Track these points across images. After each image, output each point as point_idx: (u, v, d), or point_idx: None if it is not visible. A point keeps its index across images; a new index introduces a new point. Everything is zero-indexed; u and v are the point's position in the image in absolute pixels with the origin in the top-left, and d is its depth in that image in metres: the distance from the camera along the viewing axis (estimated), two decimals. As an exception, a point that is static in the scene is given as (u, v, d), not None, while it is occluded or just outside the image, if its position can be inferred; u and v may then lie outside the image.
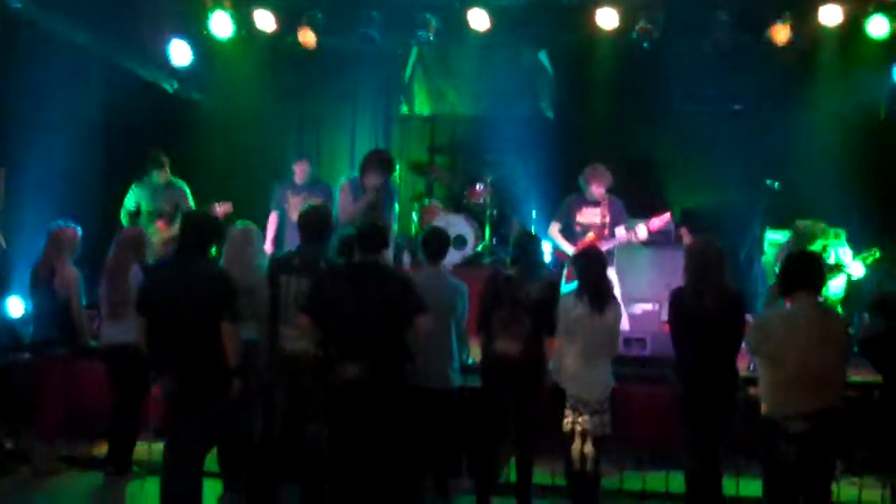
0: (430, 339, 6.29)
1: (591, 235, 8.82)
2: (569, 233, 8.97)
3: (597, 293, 6.44)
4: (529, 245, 6.94)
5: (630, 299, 9.05)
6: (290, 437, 6.58)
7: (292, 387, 6.54)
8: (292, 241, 9.07)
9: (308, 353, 6.32)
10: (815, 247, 8.36)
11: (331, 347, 6.11)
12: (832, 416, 5.37)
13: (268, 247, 9.02)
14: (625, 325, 8.60)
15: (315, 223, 6.73)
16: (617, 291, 8.75)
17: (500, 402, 6.59)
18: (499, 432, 6.67)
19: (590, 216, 8.93)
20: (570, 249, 8.69)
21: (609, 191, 8.90)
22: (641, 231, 8.77)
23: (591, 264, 6.63)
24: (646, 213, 9.08)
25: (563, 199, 9.15)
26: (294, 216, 9.13)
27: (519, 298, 6.47)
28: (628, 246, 9.01)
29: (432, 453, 6.87)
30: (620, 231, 8.79)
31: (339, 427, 6.12)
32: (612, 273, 8.78)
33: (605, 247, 8.57)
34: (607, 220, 8.86)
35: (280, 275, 6.54)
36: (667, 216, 8.90)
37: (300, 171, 9.80)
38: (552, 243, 9.00)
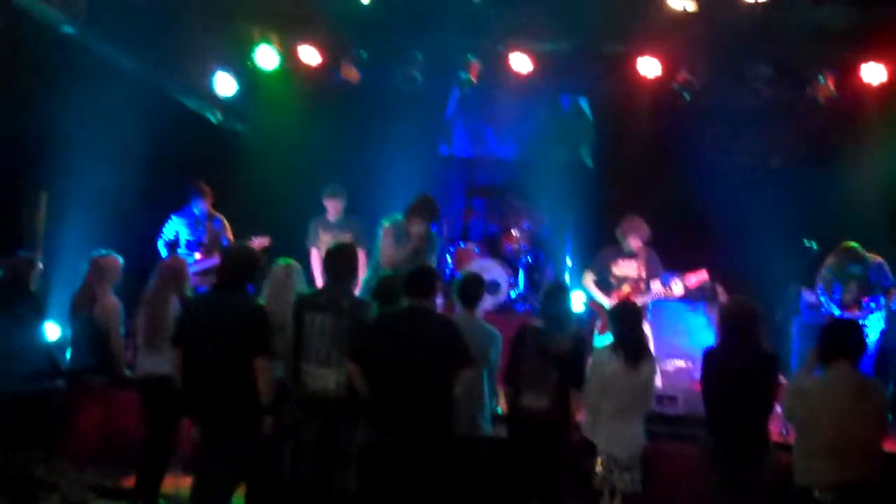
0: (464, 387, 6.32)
1: (626, 288, 8.82)
2: (604, 284, 8.96)
3: (633, 348, 6.44)
4: (558, 296, 6.95)
5: (663, 355, 8.98)
6: (316, 478, 6.58)
7: (317, 426, 6.54)
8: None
9: (330, 392, 6.37)
10: (856, 270, 8.34)
11: (375, 394, 6.13)
12: (864, 489, 5.33)
13: (319, 283, 9.00)
14: (658, 381, 8.58)
15: (340, 262, 6.75)
16: (651, 347, 8.81)
17: (525, 454, 6.58)
18: (524, 485, 6.65)
19: (626, 269, 8.93)
20: (605, 301, 8.69)
21: (646, 244, 8.89)
22: (677, 287, 8.73)
23: (627, 318, 6.64)
24: (681, 267, 9.03)
25: (599, 250, 9.15)
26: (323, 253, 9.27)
27: (546, 350, 6.48)
28: (663, 301, 8.98)
29: (460, 501, 6.85)
30: (656, 285, 8.77)
31: (374, 475, 6.13)
32: (646, 328, 8.81)
33: (640, 300, 8.60)
34: (643, 273, 8.86)
35: (305, 312, 6.56)
36: (703, 273, 8.85)
37: (332, 208, 9.79)
38: (586, 294, 8.99)
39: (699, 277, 8.81)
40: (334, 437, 6.48)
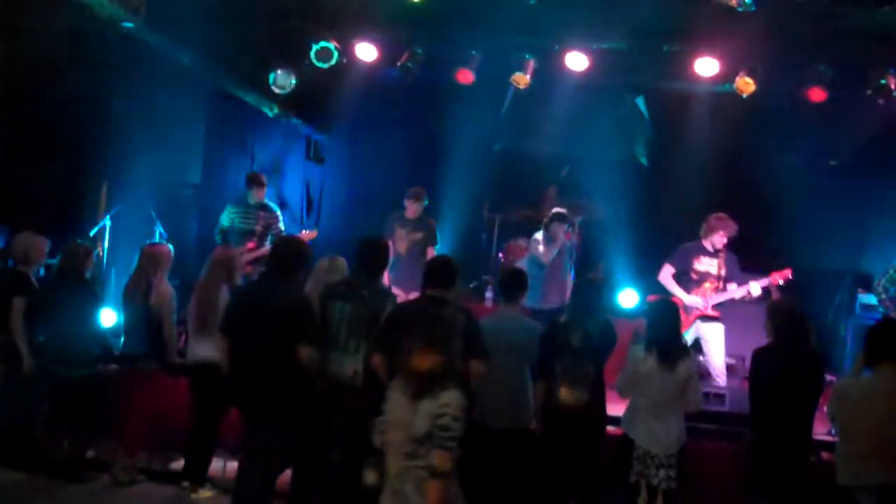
0: (506, 381, 6.32)
1: (707, 286, 8.77)
2: (684, 279, 8.93)
3: (666, 349, 6.38)
4: (585, 291, 6.95)
5: (729, 355, 9.00)
6: (349, 465, 6.63)
7: (343, 414, 6.56)
8: (399, 272, 9.37)
9: (346, 379, 6.43)
10: None
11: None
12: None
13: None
14: (722, 380, 8.54)
15: (369, 253, 6.76)
16: (722, 348, 8.76)
17: (560, 449, 6.56)
18: (559, 480, 6.65)
19: (707, 265, 8.92)
20: (683, 295, 8.66)
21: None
22: (755, 288, 8.74)
23: (663, 319, 6.56)
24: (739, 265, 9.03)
25: (680, 245, 9.08)
26: (398, 247, 9.62)
27: (575, 345, 6.44)
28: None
29: (506, 494, 6.85)
30: (732, 286, 8.77)
31: None
32: (720, 328, 8.74)
33: (718, 299, 8.76)
34: (723, 272, 8.84)
35: (328, 300, 6.63)
36: (787, 273, 8.79)
37: (411, 208, 10.04)
38: (664, 288, 8.94)
39: (784, 275, 8.74)
40: (360, 426, 6.52)
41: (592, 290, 6.98)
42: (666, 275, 8.96)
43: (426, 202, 10.16)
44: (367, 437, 6.30)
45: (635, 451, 6.33)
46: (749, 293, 8.77)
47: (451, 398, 4.83)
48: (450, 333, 5.16)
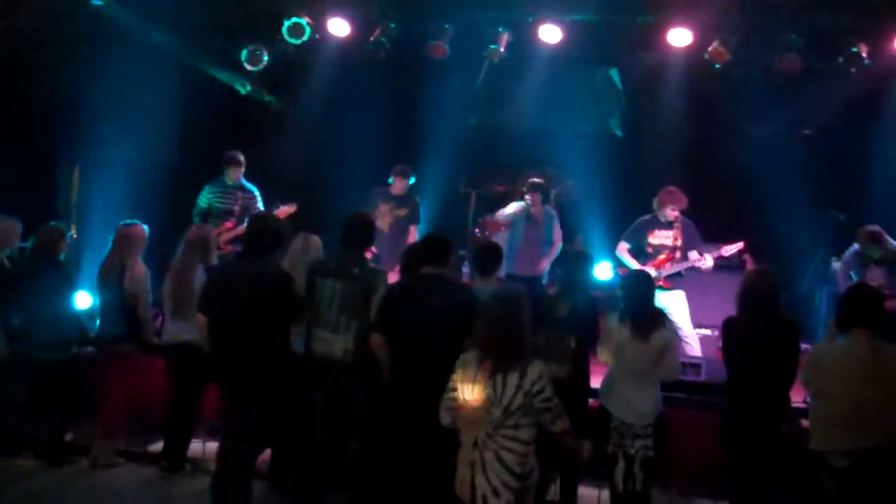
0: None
1: (662, 257, 8.85)
2: (639, 253, 9.03)
3: (641, 318, 6.37)
4: (571, 263, 6.99)
5: (695, 324, 9.07)
6: (332, 443, 6.65)
7: (328, 392, 6.59)
8: (379, 247, 9.37)
9: (335, 358, 6.43)
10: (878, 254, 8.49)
11: (398, 363, 6.13)
12: (878, 455, 5.29)
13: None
14: (697, 349, 8.61)
15: (355, 229, 6.73)
16: (687, 315, 8.80)
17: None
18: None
19: (662, 238, 9.02)
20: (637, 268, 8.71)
21: (682, 213, 8.95)
22: (708, 261, 8.83)
23: (636, 287, 6.54)
24: (712, 236, 9.09)
25: (636, 220, 9.19)
26: (380, 223, 9.68)
27: (558, 317, 6.43)
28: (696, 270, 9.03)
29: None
30: (693, 255, 8.85)
31: (394, 441, 6.15)
32: (680, 296, 8.82)
33: (675, 269, 8.83)
34: (679, 242, 8.93)
35: (316, 278, 6.61)
36: (740, 244, 8.89)
37: (398, 185, 10.10)
38: (620, 262, 9.02)
39: (736, 248, 8.82)
40: (347, 405, 6.54)
41: (583, 263, 7.00)
42: (621, 250, 9.15)
43: (412, 179, 10.16)
44: (354, 415, 6.40)
45: (612, 423, 6.32)
46: (707, 262, 8.84)
47: (539, 370, 5.14)
48: (520, 308, 5.28)
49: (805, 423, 5.84)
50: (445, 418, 5.31)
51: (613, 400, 6.35)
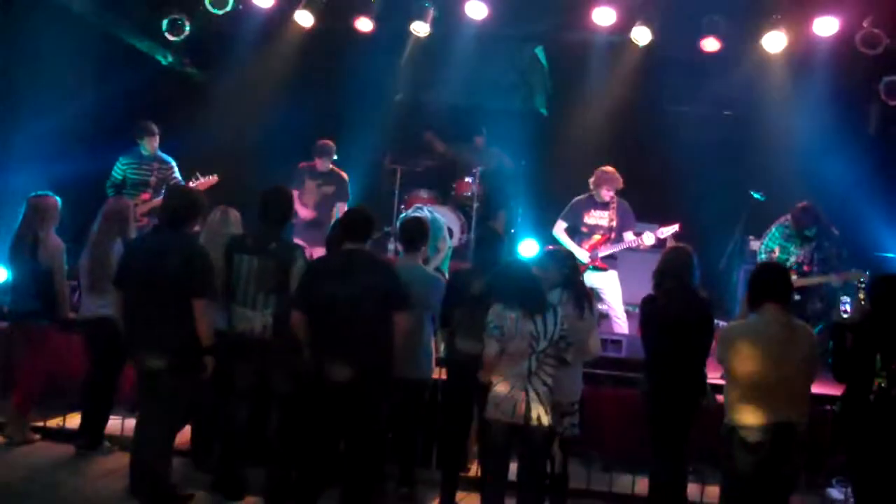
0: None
1: (597, 238, 8.95)
2: (574, 232, 9.15)
3: (579, 294, 6.44)
4: (488, 241, 7.04)
5: (627, 303, 9.19)
6: (252, 419, 6.61)
7: (250, 369, 6.53)
8: (304, 226, 9.51)
9: (256, 334, 6.39)
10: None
11: (316, 339, 6.09)
12: (790, 429, 5.40)
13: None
14: (624, 329, 8.76)
15: (273, 204, 6.65)
16: (619, 295, 8.92)
17: (463, 396, 6.60)
18: (464, 426, 6.73)
19: (597, 218, 9.15)
20: (575, 250, 8.79)
21: (617, 193, 9.06)
22: (648, 238, 8.99)
23: (573, 265, 6.66)
24: (638, 215, 9.19)
25: (564, 198, 9.29)
26: (306, 200, 9.79)
27: (476, 295, 6.42)
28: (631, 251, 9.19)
29: (401, 442, 6.92)
30: (629, 235, 8.99)
31: (311, 417, 6.14)
32: (613, 276, 8.92)
33: (610, 250, 8.98)
34: (614, 223, 9.05)
35: (234, 254, 6.54)
36: (676, 226, 9.01)
37: (320, 161, 10.10)
38: (558, 241, 9.08)
39: (672, 230, 8.94)
40: (268, 381, 6.50)
41: (493, 242, 7.02)
42: (559, 229, 9.28)
43: (335, 156, 10.11)
44: (273, 389, 6.35)
45: None
46: (642, 243, 8.98)
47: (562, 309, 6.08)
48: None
49: (720, 398, 5.93)
50: (492, 349, 5.82)
51: None
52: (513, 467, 5.99)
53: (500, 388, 5.82)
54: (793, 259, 8.95)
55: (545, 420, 5.81)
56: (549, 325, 5.83)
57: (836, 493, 7.38)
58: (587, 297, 6.54)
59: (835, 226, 9.12)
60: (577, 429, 6.35)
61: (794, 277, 8.44)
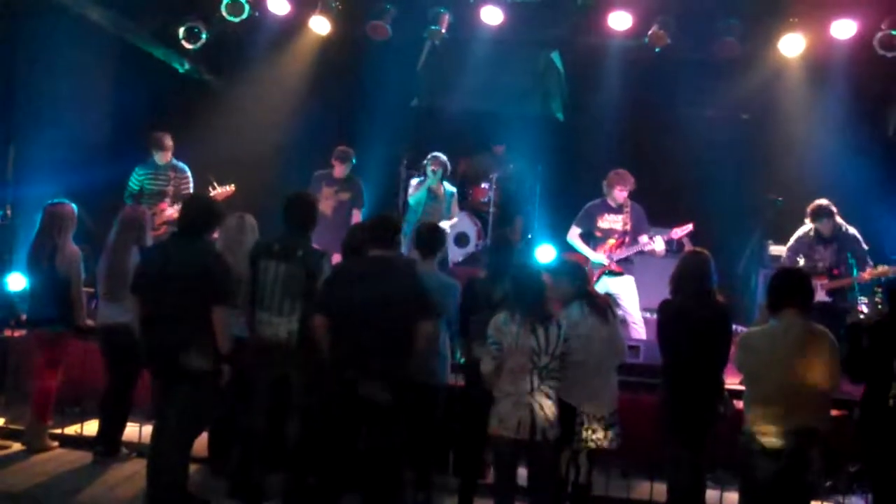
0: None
1: (611, 242, 8.91)
2: (588, 237, 9.13)
3: (597, 302, 6.41)
4: (501, 249, 7.00)
5: (645, 308, 9.15)
6: (272, 426, 6.60)
7: (272, 376, 6.54)
8: (321, 232, 9.26)
9: (281, 341, 6.39)
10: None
11: (338, 344, 6.08)
12: (810, 435, 5.36)
13: None
14: (642, 334, 8.78)
15: (298, 211, 6.68)
16: (636, 300, 8.87)
17: (480, 403, 6.57)
18: (480, 434, 6.68)
19: (611, 222, 9.12)
20: (590, 254, 8.74)
21: (630, 196, 9.02)
22: (659, 244, 8.90)
23: (584, 274, 6.61)
24: (653, 219, 9.20)
25: (579, 203, 9.27)
26: (323, 206, 9.58)
27: (492, 302, 6.40)
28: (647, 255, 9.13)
29: (416, 447, 6.87)
30: (643, 239, 8.93)
31: (332, 423, 6.13)
32: (630, 281, 8.88)
33: (626, 253, 8.92)
34: (628, 226, 9.01)
35: (260, 260, 6.55)
36: (689, 227, 8.94)
37: (339, 168, 10.13)
38: (573, 248, 9.06)
39: (684, 230, 8.89)
40: (289, 388, 6.50)
41: (505, 249, 6.99)
42: (573, 235, 9.25)
43: (353, 161, 10.13)
44: (294, 396, 6.33)
45: (578, 416, 6.18)
46: (655, 246, 8.93)
47: (565, 321, 6.03)
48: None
49: (739, 404, 5.90)
50: (489, 366, 5.85)
51: (579, 392, 6.19)
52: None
53: (503, 404, 5.82)
54: (820, 265, 8.83)
55: (550, 434, 5.80)
56: (551, 339, 5.80)
57: (857, 500, 7.32)
58: (606, 303, 6.53)
59: (853, 226, 9.02)
60: (619, 439, 6.28)
61: (824, 281, 8.53)
